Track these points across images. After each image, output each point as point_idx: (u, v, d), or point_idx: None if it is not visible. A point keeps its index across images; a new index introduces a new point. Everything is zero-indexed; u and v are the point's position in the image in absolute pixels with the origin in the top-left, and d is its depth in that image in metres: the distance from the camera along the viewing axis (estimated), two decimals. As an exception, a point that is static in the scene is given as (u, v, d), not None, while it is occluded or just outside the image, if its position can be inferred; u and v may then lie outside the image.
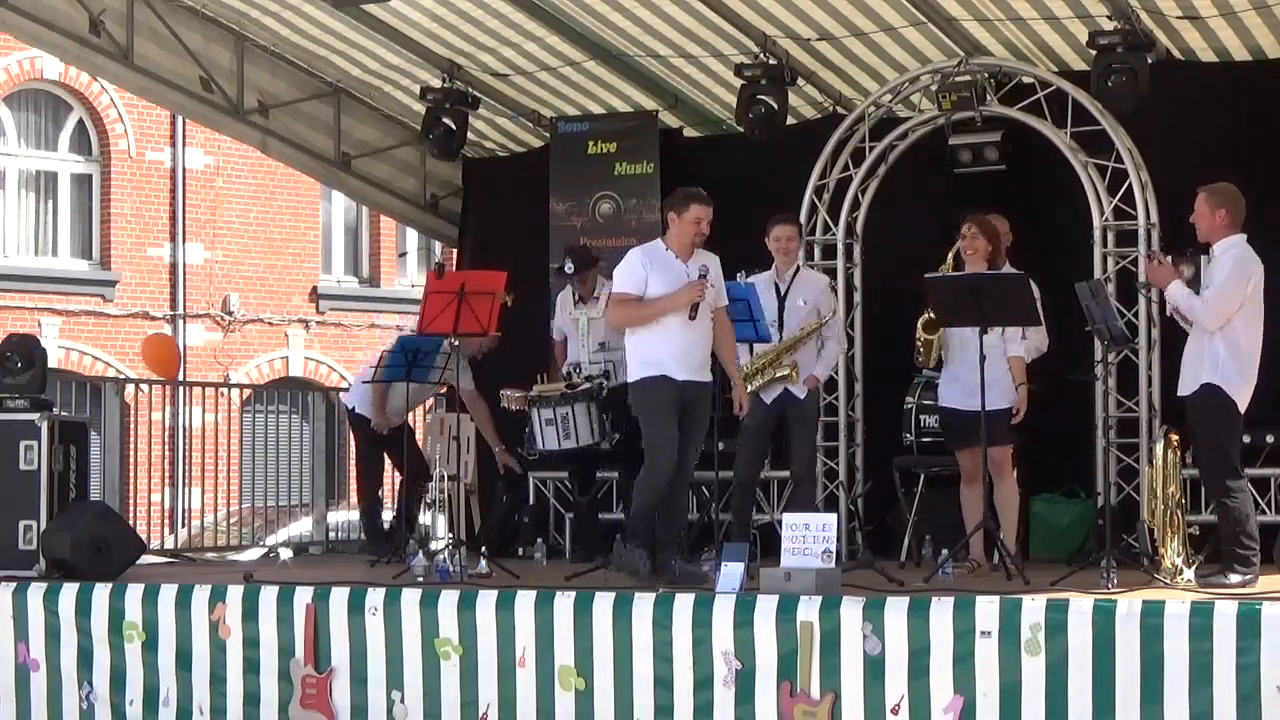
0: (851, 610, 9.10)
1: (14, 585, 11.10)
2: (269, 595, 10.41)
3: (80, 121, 26.64)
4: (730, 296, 11.09)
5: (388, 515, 14.76)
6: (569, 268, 13.34)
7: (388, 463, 14.31)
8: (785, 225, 11.88)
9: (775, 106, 13.58)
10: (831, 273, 13.58)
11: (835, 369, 13.43)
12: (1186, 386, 10.17)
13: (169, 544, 15.89)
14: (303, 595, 10.33)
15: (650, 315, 10.64)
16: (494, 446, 13.95)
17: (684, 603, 9.46)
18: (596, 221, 15.12)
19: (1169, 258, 10.46)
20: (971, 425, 10.96)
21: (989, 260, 11.29)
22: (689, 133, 15.13)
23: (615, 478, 13.75)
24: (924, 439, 12.78)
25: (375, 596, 10.15)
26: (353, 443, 14.36)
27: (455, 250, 17.15)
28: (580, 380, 12.95)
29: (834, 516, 9.91)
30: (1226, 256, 10.11)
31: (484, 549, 12.63)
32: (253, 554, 15.64)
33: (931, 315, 11.45)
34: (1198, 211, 10.23)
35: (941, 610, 8.95)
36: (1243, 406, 10.09)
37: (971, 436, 11.08)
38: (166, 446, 16.96)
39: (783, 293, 11.76)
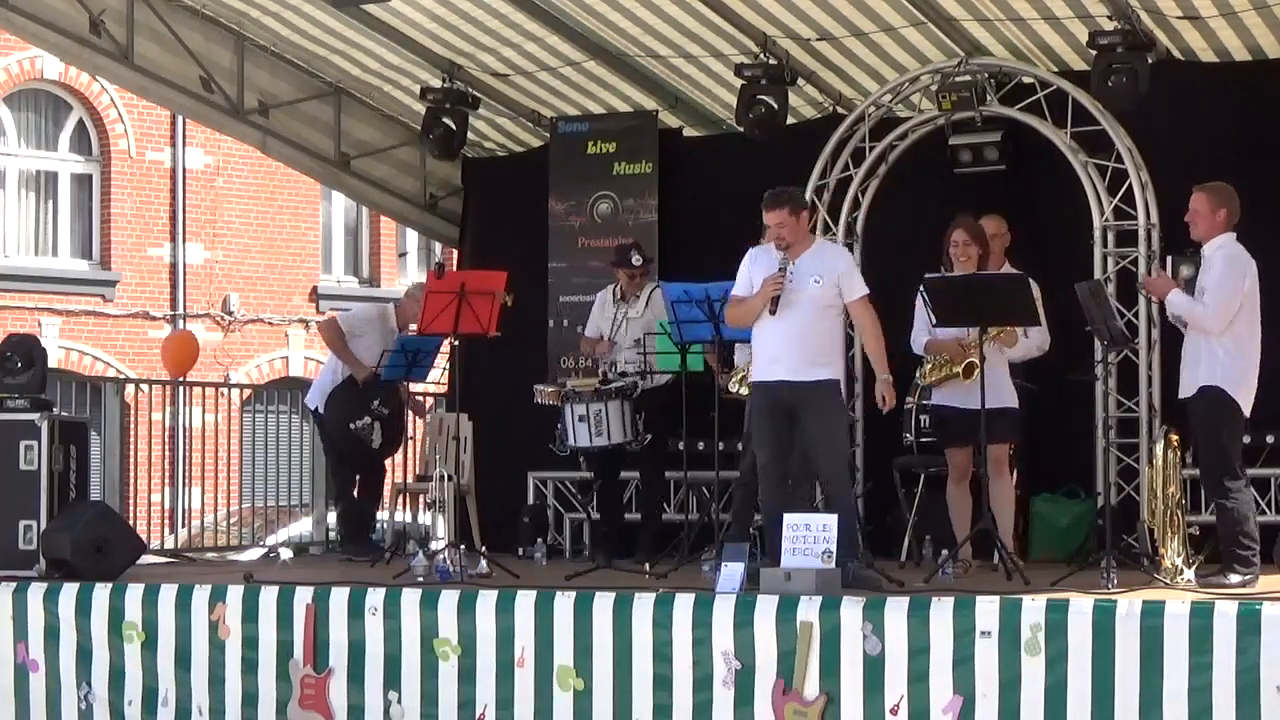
0: (851, 610, 9.10)
1: (14, 585, 11.10)
2: (269, 595, 10.41)
3: (80, 121, 26.63)
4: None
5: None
6: (636, 260, 13.09)
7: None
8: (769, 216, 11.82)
9: (775, 106, 13.58)
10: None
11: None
12: (1186, 389, 10.16)
13: (169, 544, 15.89)
14: (303, 595, 10.32)
15: (743, 313, 10.44)
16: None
17: (684, 603, 9.45)
18: (594, 221, 15.12)
19: (1167, 263, 10.45)
20: (966, 424, 10.95)
21: (979, 265, 11.27)
22: (689, 133, 15.13)
23: (636, 481, 13.71)
24: (924, 439, 12.74)
25: (375, 596, 10.15)
26: (319, 442, 14.10)
27: (455, 250, 17.14)
28: (615, 377, 12.89)
29: (834, 517, 9.89)
30: (1218, 256, 10.09)
31: (484, 549, 12.64)
32: (253, 554, 15.64)
33: (968, 367, 11.23)
34: (1196, 210, 10.21)
35: (941, 610, 8.95)
36: (1246, 407, 10.07)
37: (965, 435, 11.07)
38: (166, 446, 16.98)
39: None
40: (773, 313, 10.23)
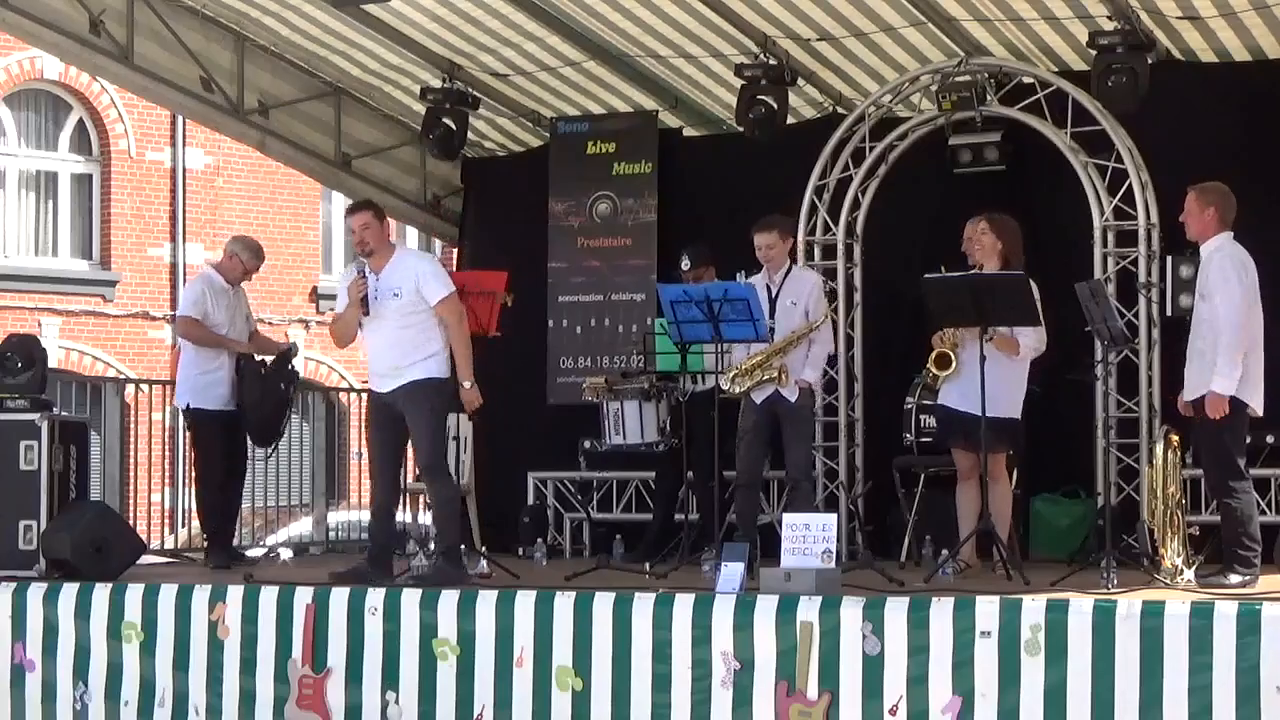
0: (851, 610, 9.09)
1: (14, 585, 11.10)
2: (269, 595, 10.41)
3: (80, 121, 26.63)
4: (730, 296, 11.07)
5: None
6: (685, 264, 12.95)
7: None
8: (762, 234, 11.70)
9: (775, 106, 13.57)
10: (831, 273, 13.58)
11: (835, 369, 13.47)
12: (1192, 391, 10.12)
13: (169, 544, 15.87)
14: (303, 595, 10.32)
15: (339, 321, 11.08)
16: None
17: (684, 603, 9.45)
18: (594, 221, 15.12)
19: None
20: (967, 426, 10.94)
21: (1003, 259, 11.22)
22: (689, 133, 15.13)
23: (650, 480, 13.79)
24: (924, 439, 12.77)
25: (375, 597, 10.15)
26: (187, 440, 13.54)
27: (455, 250, 17.14)
28: (634, 375, 12.88)
29: (834, 516, 9.91)
30: (1217, 259, 10.04)
31: (484, 549, 12.65)
32: (253, 554, 15.62)
33: (938, 357, 11.26)
34: (1187, 210, 10.20)
35: (941, 610, 8.95)
36: (1258, 405, 10.03)
37: (967, 437, 11.06)
38: (166, 446, 16.92)
39: (773, 294, 11.65)
40: (366, 313, 10.79)
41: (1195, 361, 10.13)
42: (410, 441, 10.94)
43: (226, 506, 13.11)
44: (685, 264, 12.95)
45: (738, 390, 11.49)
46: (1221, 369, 9.89)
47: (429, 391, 10.79)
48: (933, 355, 11.17)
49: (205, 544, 13.23)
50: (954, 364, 11.05)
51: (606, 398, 12.82)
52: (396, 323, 10.81)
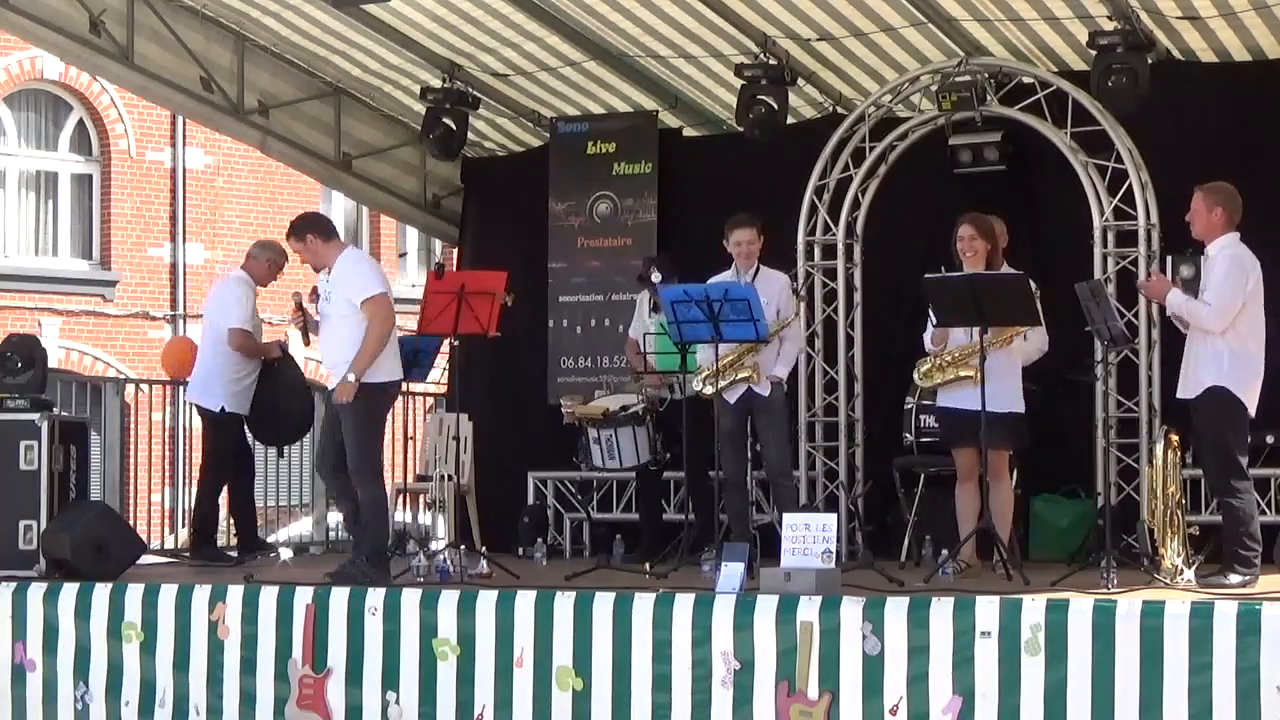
0: (851, 610, 9.10)
1: (14, 585, 11.10)
2: (269, 595, 10.42)
3: (80, 121, 26.64)
4: (730, 296, 11.08)
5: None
6: (656, 276, 12.80)
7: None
8: (745, 229, 11.73)
9: (775, 106, 13.57)
10: (831, 273, 13.59)
11: (835, 369, 13.48)
12: (1189, 389, 10.13)
13: (169, 544, 15.88)
14: (303, 595, 10.33)
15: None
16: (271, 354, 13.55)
17: (684, 603, 9.46)
18: (594, 221, 15.12)
19: (1167, 263, 10.45)
20: (968, 425, 10.93)
21: (988, 261, 11.24)
22: (689, 133, 15.13)
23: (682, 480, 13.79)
24: (924, 439, 12.77)
25: (375, 597, 10.16)
26: (202, 441, 13.39)
27: (455, 250, 17.15)
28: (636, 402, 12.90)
29: (834, 516, 9.91)
30: (1223, 256, 10.09)
31: (484, 549, 12.64)
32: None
33: (927, 369, 11.26)
34: (1194, 210, 10.22)
35: (941, 610, 8.95)
36: (1252, 406, 10.06)
37: (968, 436, 11.05)
38: (166, 446, 16.92)
39: None
40: (306, 343, 11.50)
41: (1192, 362, 10.14)
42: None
43: (232, 505, 13.31)
44: (657, 277, 12.84)
45: (709, 391, 11.51)
46: (1188, 305, 10.08)
47: (360, 393, 10.84)
48: (974, 369, 11.05)
49: (191, 540, 13.34)
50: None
51: (599, 425, 12.80)
52: (338, 323, 11.04)
